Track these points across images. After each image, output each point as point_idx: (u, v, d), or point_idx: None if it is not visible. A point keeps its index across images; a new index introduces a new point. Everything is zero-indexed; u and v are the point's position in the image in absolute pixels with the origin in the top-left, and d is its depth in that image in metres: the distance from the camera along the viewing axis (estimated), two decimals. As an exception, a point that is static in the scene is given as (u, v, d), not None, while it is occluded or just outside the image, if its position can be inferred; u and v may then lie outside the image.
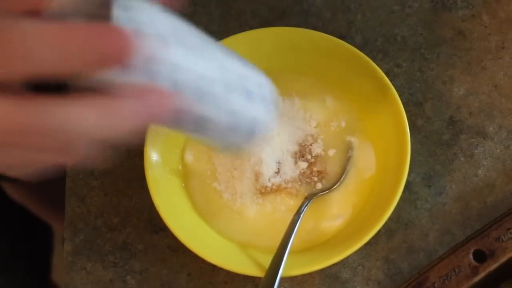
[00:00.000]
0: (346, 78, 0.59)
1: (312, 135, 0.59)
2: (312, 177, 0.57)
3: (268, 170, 0.56)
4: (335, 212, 0.57)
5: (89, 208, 0.60)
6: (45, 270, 0.91)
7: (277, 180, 0.57)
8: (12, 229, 0.85)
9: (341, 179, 0.57)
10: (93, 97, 0.31)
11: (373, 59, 0.58)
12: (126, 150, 0.62)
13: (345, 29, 0.64)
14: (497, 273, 0.52)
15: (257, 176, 0.57)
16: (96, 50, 0.30)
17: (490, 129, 0.60)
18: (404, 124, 0.56)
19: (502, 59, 0.62)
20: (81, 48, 0.30)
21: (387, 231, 0.57)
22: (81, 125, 0.31)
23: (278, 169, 0.57)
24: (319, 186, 0.57)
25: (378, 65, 0.57)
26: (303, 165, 0.57)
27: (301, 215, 0.54)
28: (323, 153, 0.58)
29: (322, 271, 0.56)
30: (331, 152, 0.58)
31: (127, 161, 0.61)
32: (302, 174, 0.57)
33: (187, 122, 0.38)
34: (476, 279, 0.52)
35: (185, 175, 0.59)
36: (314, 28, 0.63)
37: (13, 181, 0.89)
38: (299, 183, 0.57)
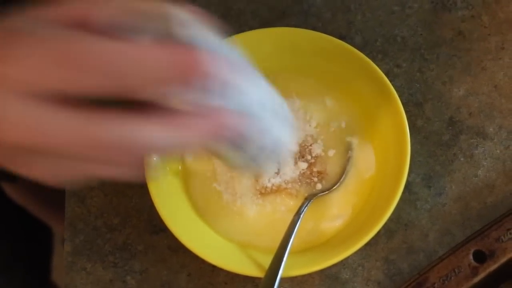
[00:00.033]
0: (346, 78, 0.59)
1: (312, 136, 0.59)
2: (312, 178, 0.57)
3: (268, 170, 0.56)
4: (335, 213, 0.57)
5: (89, 208, 0.60)
6: (45, 270, 0.91)
7: (277, 180, 0.57)
8: (12, 230, 0.85)
9: (341, 180, 0.57)
10: (165, 115, 0.32)
11: (373, 59, 0.58)
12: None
13: (345, 30, 0.64)
14: (497, 274, 0.52)
15: (257, 176, 0.57)
16: (178, 70, 0.31)
17: (490, 129, 0.60)
18: (404, 124, 0.56)
19: (502, 59, 0.62)
20: (165, 68, 0.30)
21: (387, 231, 0.57)
22: (152, 142, 0.32)
23: (278, 169, 0.57)
24: (319, 186, 0.57)
25: (378, 66, 0.58)
26: (303, 165, 0.57)
27: (301, 216, 0.54)
28: (323, 154, 0.58)
29: (322, 271, 0.56)
30: (331, 153, 0.58)
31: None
32: (302, 174, 0.57)
33: (234, 143, 0.39)
34: (476, 279, 0.52)
35: (185, 176, 0.59)
36: (314, 28, 0.63)
37: (13, 181, 0.89)
38: (299, 183, 0.57)
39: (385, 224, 0.52)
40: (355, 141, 0.59)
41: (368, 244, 0.53)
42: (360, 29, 0.64)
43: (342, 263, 0.56)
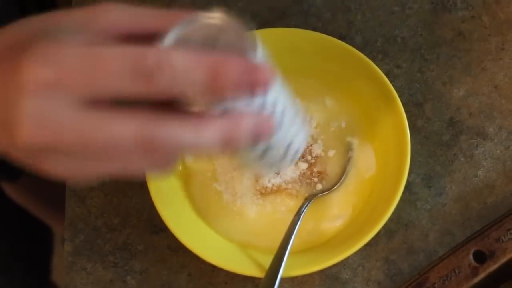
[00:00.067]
0: (346, 79, 0.59)
1: (312, 136, 0.59)
2: (312, 178, 0.57)
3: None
4: (335, 213, 0.57)
5: (89, 208, 0.60)
6: (45, 270, 0.91)
7: (277, 181, 0.57)
8: (12, 230, 0.85)
9: (341, 180, 0.57)
10: (219, 121, 0.33)
11: (373, 60, 0.59)
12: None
13: (345, 30, 0.64)
14: (497, 274, 0.52)
15: (257, 176, 0.57)
16: (244, 81, 0.32)
17: (490, 130, 0.60)
18: (404, 124, 0.56)
19: (502, 60, 0.62)
20: (230, 78, 0.32)
21: (387, 231, 0.57)
22: (203, 143, 0.33)
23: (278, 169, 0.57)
24: (319, 186, 0.57)
25: (378, 66, 0.58)
26: (303, 165, 0.57)
27: (301, 216, 0.54)
28: (323, 154, 0.58)
29: (322, 271, 0.56)
30: (331, 153, 0.58)
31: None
32: (302, 175, 0.57)
33: (259, 149, 0.40)
34: (476, 279, 0.52)
35: (186, 176, 0.59)
36: (314, 28, 0.63)
37: (13, 181, 0.89)
38: (299, 183, 0.57)
39: (385, 224, 0.52)
40: (355, 141, 0.59)
41: (368, 244, 0.53)
42: (360, 29, 0.64)
43: (343, 263, 0.56)
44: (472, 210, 0.57)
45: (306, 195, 0.57)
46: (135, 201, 0.60)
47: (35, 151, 0.32)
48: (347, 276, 0.56)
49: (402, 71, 0.62)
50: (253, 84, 0.32)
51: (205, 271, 0.57)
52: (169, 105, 0.33)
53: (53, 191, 0.77)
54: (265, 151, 0.40)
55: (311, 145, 0.58)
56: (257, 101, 0.35)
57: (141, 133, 0.31)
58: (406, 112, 0.56)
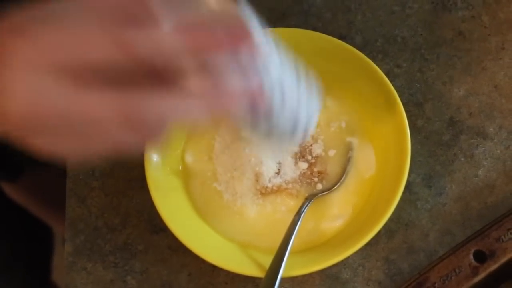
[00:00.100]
0: (346, 78, 0.59)
1: (312, 136, 0.59)
2: (313, 178, 0.57)
3: (268, 170, 0.56)
4: (336, 213, 0.57)
5: (89, 208, 0.60)
6: (45, 270, 0.91)
7: (277, 180, 0.57)
8: (12, 230, 0.85)
9: (342, 180, 0.57)
10: (201, 85, 0.33)
11: (373, 59, 0.59)
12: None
13: (345, 30, 0.64)
14: (498, 274, 0.52)
15: (257, 176, 0.57)
16: (225, 37, 0.32)
17: (490, 129, 0.60)
18: (404, 124, 0.56)
19: (502, 59, 0.62)
20: (210, 36, 0.32)
21: (387, 231, 0.57)
22: (188, 114, 0.33)
23: (279, 169, 0.57)
24: (319, 186, 0.57)
25: (378, 66, 0.58)
26: (304, 165, 0.57)
27: (302, 216, 0.54)
28: (323, 154, 0.58)
29: (322, 271, 0.56)
30: (331, 153, 0.58)
31: (127, 162, 0.61)
32: (303, 174, 0.57)
33: (265, 121, 0.39)
34: (477, 279, 0.52)
35: (186, 176, 0.59)
36: (314, 28, 0.63)
37: (13, 181, 0.89)
38: (300, 183, 0.57)
39: (386, 224, 0.52)
40: (355, 141, 0.59)
41: (368, 244, 0.53)
42: (360, 29, 0.64)
43: (343, 263, 0.56)
44: (472, 210, 0.57)
45: (306, 195, 0.57)
46: (135, 201, 0.60)
47: (22, 126, 0.32)
48: (348, 276, 0.56)
49: (402, 71, 0.62)
50: (233, 39, 0.32)
51: (205, 271, 0.57)
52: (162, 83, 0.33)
53: (53, 191, 0.77)
54: (270, 123, 0.39)
55: (311, 145, 0.58)
56: (245, 62, 0.35)
57: (120, 106, 0.31)
58: (406, 112, 0.56)
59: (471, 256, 0.52)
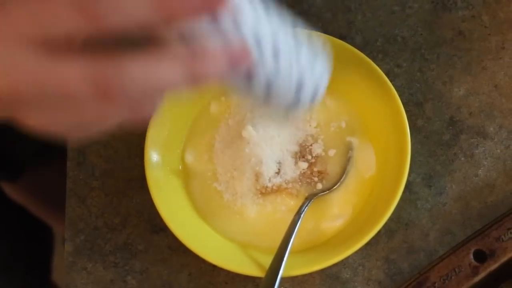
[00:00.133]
0: (346, 78, 0.59)
1: (312, 136, 0.59)
2: (313, 178, 0.57)
3: (268, 170, 0.56)
4: (336, 212, 0.57)
5: (89, 208, 0.60)
6: (45, 270, 0.91)
7: (277, 180, 0.57)
8: (12, 230, 0.85)
9: (342, 180, 0.57)
10: (177, 52, 0.32)
11: (373, 59, 0.59)
12: (126, 150, 0.62)
13: (345, 30, 0.64)
14: (498, 273, 0.52)
15: (257, 176, 0.57)
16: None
17: (491, 129, 0.60)
18: (404, 124, 0.56)
19: (502, 59, 0.62)
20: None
21: (387, 231, 0.57)
22: (163, 82, 0.31)
23: (279, 169, 0.57)
24: (319, 186, 0.57)
25: (378, 66, 0.58)
26: (304, 165, 0.57)
27: (302, 215, 0.54)
28: (323, 154, 0.58)
29: (322, 271, 0.56)
30: (332, 153, 0.58)
31: (127, 162, 0.61)
32: (303, 174, 0.57)
33: (260, 82, 0.38)
34: (477, 279, 0.52)
35: (186, 176, 0.59)
36: (314, 28, 0.63)
37: (13, 181, 0.89)
38: (300, 183, 0.57)
39: (386, 223, 0.52)
40: (355, 141, 0.59)
41: (368, 243, 0.53)
42: (360, 29, 0.64)
43: (343, 262, 0.56)
44: (473, 210, 0.57)
45: (307, 194, 0.57)
46: (135, 201, 0.60)
47: (2, 102, 0.32)
48: (348, 276, 0.56)
49: (402, 71, 0.62)
50: (208, 1, 0.31)
51: (205, 270, 0.57)
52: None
53: (53, 191, 0.77)
54: (268, 87, 0.38)
55: (311, 145, 0.58)
56: (226, 26, 0.34)
57: (93, 73, 0.30)
58: (406, 112, 0.56)
59: (471, 256, 0.52)
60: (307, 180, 0.57)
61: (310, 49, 0.40)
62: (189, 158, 0.59)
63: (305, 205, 0.55)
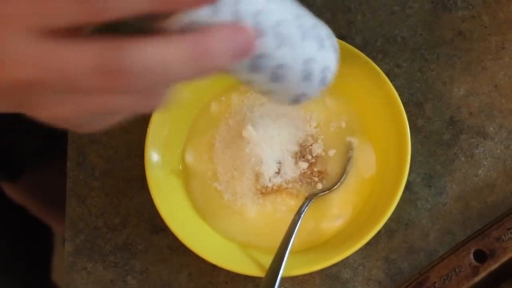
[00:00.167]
0: (346, 78, 0.59)
1: (312, 136, 0.59)
2: (313, 177, 0.57)
3: (268, 170, 0.56)
4: (336, 212, 0.57)
5: (89, 208, 0.60)
6: (45, 270, 0.91)
7: (277, 180, 0.57)
8: (12, 230, 0.85)
9: (342, 180, 0.57)
10: (181, 36, 0.31)
11: (373, 59, 0.59)
12: (126, 150, 0.62)
13: (345, 30, 0.64)
14: (498, 273, 0.52)
15: (257, 176, 0.57)
16: None
17: (491, 129, 0.60)
18: (404, 124, 0.56)
19: (502, 59, 0.62)
20: None
21: (387, 231, 0.57)
22: (170, 66, 0.31)
23: (279, 169, 0.57)
24: (319, 186, 0.57)
25: (378, 66, 0.58)
26: (304, 165, 0.57)
27: (302, 215, 0.54)
28: (323, 154, 0.58)
29: (322, 271, 0.56)
30: (332, 153, 0.58)
31: (127, 162, 0.61)
32: (303, 174, 0.57)
33: (266, 70, 0.38)
34: (477, 279, 0.52)
35: (186, 175, 0.59)
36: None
37: (13, 181, 0.89)
38: (300, 183, 0.57)
39: (386, 223, 0.52)
40: (355, 141, 0.59)
41: (368, 243, 0.53)
42: (360, 29, 0.64)
43: (343, 262, 0.56)
44: (473, 210, 0.57)
45: (307, 194, 0.57)
46: (135, 201, 0.60)
47: (10, 92, 0.31)
48: (348, 276, 0.56)
49: (402, 71, 0.62)
50: None
51: (205, 270, 0.57)
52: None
53: (53, 191, 0.77)
54: (275, 73, 0.38)
55: (311, 145, 0.58)
56: (226, 11, 0.33)
57: (98, 59, 0.30)
58: (406, 112, 0.56)
59: (471, 256, 0.52)
60: (307, 180, 0.57)
61: (316, 33, 0.40)
62: (189, 158, 0.59)
63: (305, 205, 0.55)
